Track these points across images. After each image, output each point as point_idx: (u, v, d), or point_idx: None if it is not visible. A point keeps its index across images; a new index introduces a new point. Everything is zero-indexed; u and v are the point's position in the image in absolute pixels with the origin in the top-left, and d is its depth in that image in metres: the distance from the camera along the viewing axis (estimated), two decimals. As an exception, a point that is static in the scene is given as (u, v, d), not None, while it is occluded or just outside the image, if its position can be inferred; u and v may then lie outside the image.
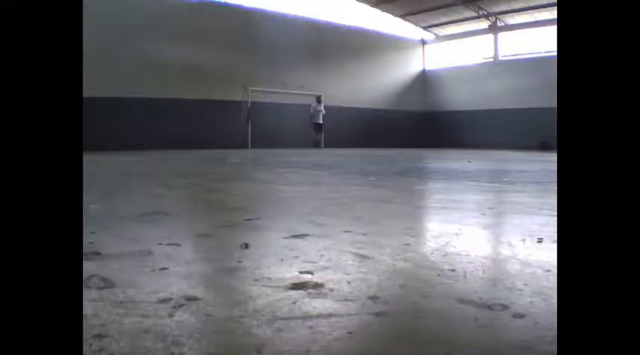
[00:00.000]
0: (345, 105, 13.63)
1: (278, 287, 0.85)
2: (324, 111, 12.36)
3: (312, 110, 12.28)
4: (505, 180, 3.36)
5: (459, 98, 15.78)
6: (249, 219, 1.57)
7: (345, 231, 1.37)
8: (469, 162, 5.62)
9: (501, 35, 15.28)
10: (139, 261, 1.02)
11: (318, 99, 12.39)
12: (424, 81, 16.64)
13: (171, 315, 0.71)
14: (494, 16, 14.86)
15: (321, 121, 12.32)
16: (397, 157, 7.24)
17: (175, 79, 11.27)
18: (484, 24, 15.27)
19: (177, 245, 1.18)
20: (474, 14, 14.85)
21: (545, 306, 0.75)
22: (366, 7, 14.94)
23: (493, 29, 15.21)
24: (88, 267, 0.96)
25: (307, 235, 1.30)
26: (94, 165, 4.63)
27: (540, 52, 13.97)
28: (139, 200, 2.14)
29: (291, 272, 0.94)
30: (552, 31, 12.96)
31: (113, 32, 10.38)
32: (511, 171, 4.30)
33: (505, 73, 12.89)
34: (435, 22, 16.03)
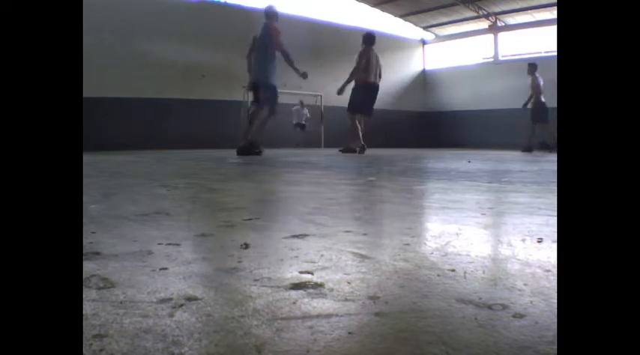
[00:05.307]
0: (344, 105, 13.62)
1: (278, 287, 0.85)
2: (307, 115, 12.99)
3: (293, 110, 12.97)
4: (505, 180, 3.36)
5: (459, 98, 15.77)
6: (249, 219, 1.57)
7: (345, 231, 1.37)
8: (469, 162, 5.62)
9: (501, 35, 15.27)
10: (139, 261, 1.02)
11: (301, 103, 12.96)
12: (424, 81, 16.64)
13: (171, 315, 0.70)
14: (494, 16, 14.85)
15: (302, 122, 13.10)
16: (397, 157, 7.24)
17: (175, 79, 11.26)
18: (484, 24, 15.27)
19: (177, 245, 1.18)
20: (474, 14, 14.84)
21: (545, 306, 0.75)
22: (366, 7, 14.92)
23: (493, 29, 15.20)
24: (88, 267, 0.96)
25: (307, 235, 1.30)
26: (94, 165, 4.63)
27: (540, 52, 13.96)
28: (139, 200, 2.14)
29: (291, 272, 0.94)
30: (552, 31, 12.96)
31: (113, 32, 10.37)
32: (511, 170, 4.30)
33: (505, 73, 12.91)
34: (435, 22, 16.03)
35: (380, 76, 8.67)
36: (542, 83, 10.56)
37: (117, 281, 0.87)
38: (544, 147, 10.67)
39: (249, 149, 6.99)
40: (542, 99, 10.56)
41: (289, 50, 7.04)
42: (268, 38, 7.02)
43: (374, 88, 8.54)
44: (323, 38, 13.64)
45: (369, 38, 8.52)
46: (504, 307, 0.75)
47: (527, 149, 10.47)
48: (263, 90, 7.12)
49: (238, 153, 7.01)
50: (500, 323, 0.68)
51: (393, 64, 15.73)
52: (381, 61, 8.71)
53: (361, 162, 5.64)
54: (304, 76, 7.30)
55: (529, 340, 0.62)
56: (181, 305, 0.75)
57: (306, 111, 13.05)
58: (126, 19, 10.58)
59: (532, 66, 10.73)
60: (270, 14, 7.27)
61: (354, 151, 8.38)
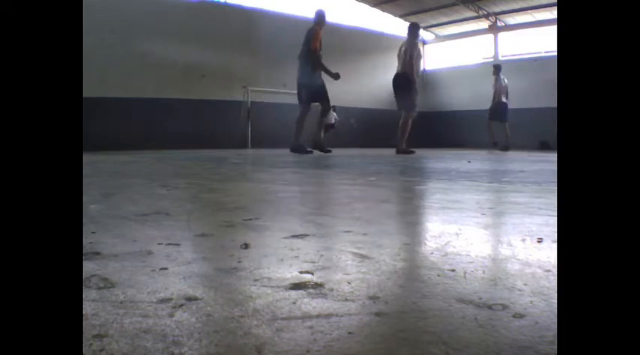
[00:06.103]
0: (345, 105, 13.63)
1: (278, 287, 0.85)
2: (336, 117, 13.20)
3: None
4: (504, 180, 3.36)
5: (459, 98, 15.76)
6: (249, 219, 1.57)
7: (345, 231, 1.37)
8: (469, 162, 5.62)
9: (501, 35, 15.27)
10: (139, 261, 1.02)
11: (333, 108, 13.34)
12: (424, 81, 16.62)
13: (171, 315, 0.70)
14: (494, 16, 14.87)
15: (332, 122, 13.09)
16: (397, 157, 7.24)
17: (175, 79, 11.26)
18: (484, 24, 15.27)
19: (177, 245, 1.18)
20: (474, 14, 14.85)
21: (545, 306, 0.75)
22: (366, 7, 14.93)
23: (493, 29, 15.22)
24: (88, 267, 0.96)
25: (307, 235, 1.30)
26: (94, 165, 4.64)
27: (540, 52, 13.96)
28: (139, 200, 2.14)
29: (291, 272, 0.94)
30: (552, 31, 12.97)
31: (113, 32, 10.37)
32: (511, 170, 4.30)
33: (505, 73, 12.90)
34: (435, 22, 16.03)
35: (404, 66, 8.47)
36: (504, 84, 11.09)
37: (117, 281, 0.87)
38: (503, 147, 10.96)
39: (300, 148, 7.44)
40: (503, 100, 11.05)
41: (320, 55, 7.30)
42: (308, 41, 7.31)
43: (394, 79, 8.58)
44: (323, 38, 13.64)
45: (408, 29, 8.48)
46: (504, 307, 0.75)
47: (504, 147, 10.85)
48: (306, 92, 7.39)
49: (292, 151, 7.49)
50: (500, 323, 0.68)
51: (394, 64, 15.73)
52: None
53: (361, 162, 5.64)
54: (336, 76, 7.50)
55: (529, 340, 0.62)
56: (181, 305, 0.75)
57: (335, 114, 13.18)
58: (126, 19, 10.58)
59: (496, 67, 11.47)
60: (318, 18, 7.48)
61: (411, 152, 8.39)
